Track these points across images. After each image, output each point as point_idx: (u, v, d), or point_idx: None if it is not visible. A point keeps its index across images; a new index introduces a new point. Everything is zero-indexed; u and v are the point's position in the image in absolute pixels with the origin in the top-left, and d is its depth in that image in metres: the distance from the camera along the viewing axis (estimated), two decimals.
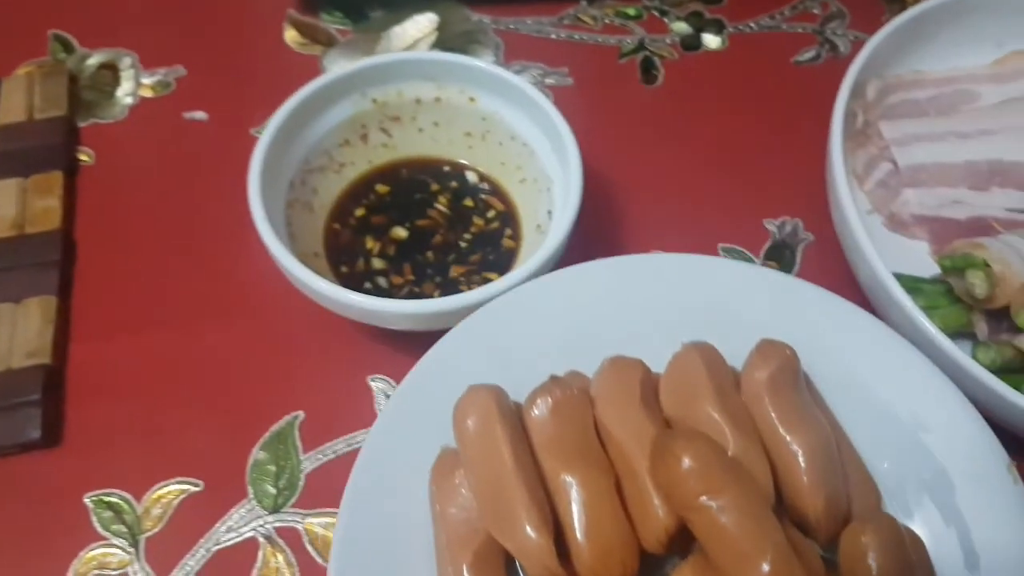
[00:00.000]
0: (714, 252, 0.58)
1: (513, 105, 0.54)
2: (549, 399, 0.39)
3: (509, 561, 0.38)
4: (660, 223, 0.59)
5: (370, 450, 0.42)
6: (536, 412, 0.39)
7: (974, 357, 0.47)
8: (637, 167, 0.62)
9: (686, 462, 0.35)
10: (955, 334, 0.49)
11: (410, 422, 0.43)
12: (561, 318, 0.46)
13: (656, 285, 0.47)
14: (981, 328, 0.50)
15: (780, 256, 0.58)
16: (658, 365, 0.43)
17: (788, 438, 0.40)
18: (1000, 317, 0.50)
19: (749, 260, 0.58)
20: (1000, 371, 0.47)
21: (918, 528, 0.41)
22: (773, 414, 0.40)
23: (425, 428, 0.42)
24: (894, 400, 0.44)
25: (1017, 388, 0.45)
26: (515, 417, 0.40)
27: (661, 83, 0.67)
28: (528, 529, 0.35)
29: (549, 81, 0.67)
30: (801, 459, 0.39)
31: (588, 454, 0.39)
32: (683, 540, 0.37)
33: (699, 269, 0.48)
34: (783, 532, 0.35)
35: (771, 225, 0.60)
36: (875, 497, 0.43)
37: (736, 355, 0.43)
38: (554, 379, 0.41)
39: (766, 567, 0.34)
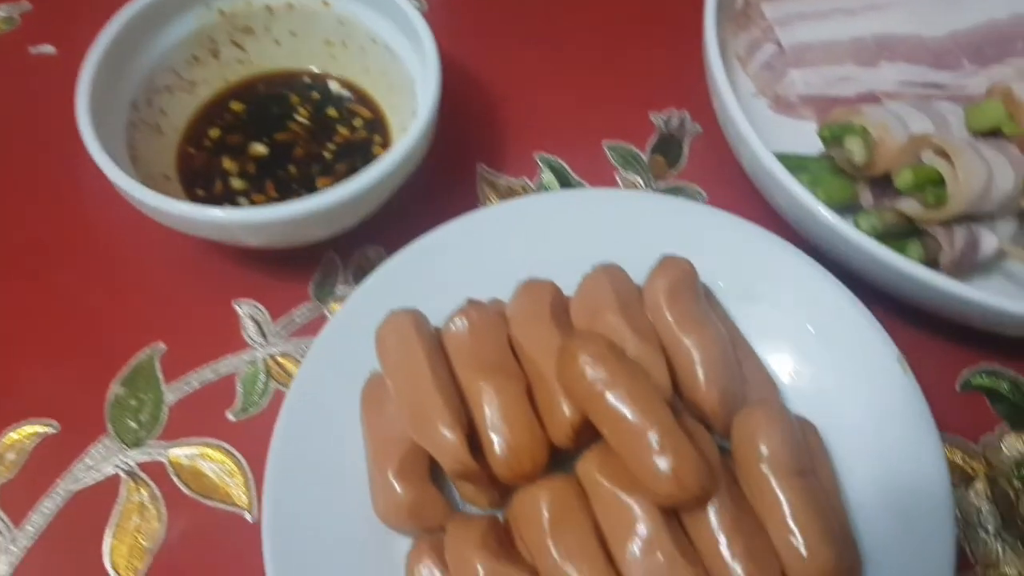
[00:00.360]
0: (598, 150, 0.56)
1: (369, 6, 0.51)
2: (466, 319, 0.41)
3: (435, 469, 0.40)
4: (541, 123, 0.57)
5: (299, 386, 0.43)
6: (454, 329, 0.41)
7: (856, 225, 0.45)
8: (514, 67, 0.60)
9: (584, 358, 0.37)
10: (843, 208, 0.48)
11: (337, 358, 0.44)
12: (478, 257, 0.47)
13: (564, 221, 0.48)
14: (866, 197, 0.49)
15: (667, 150, 0.57)
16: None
17: (685, 340, 0.41)
18: (885, 185, 0.49)
19: (635, 156, 0.56)
20: (884, 237, 0.46)
21: (817, 420, 0.42)
22: (671, 319, 0.42)
23: (352, 362, 0.43)
24: (790, 306, 0.46)
25: (903, 252, 0.44)
26: (433, 337, 0.41)
27: None
28: (442, 428, 0.37)
29: None
30: (696, 357, 0.41)
31: (502, 365, 0.40)
32: (589, 437, 0.39)
33: (602, 201, 0.49)
34: (672, 416, 0.36)
35: (657, 118, 0.58)
36: (772, 393, 0.44)
37: (641, 278, 0.44)
38: (471, 302, 0.43)
39: (654, 441, 0.35)
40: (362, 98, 0.53)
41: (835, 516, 0.39)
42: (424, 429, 0.38)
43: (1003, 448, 0.48)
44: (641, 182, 0.56)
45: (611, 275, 0.43)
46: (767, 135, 0.48)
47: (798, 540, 0.37)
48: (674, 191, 0.55)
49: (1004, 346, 0.50)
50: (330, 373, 0.43)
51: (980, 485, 0.47)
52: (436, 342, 0.41)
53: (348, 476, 0.41)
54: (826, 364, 0.45)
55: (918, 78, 0.55)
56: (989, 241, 0.47)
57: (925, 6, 0.56)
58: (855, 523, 0.41)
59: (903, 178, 0.46)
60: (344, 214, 0.45)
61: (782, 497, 0.37)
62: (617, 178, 0.56)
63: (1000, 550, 0.45)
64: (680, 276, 0.43)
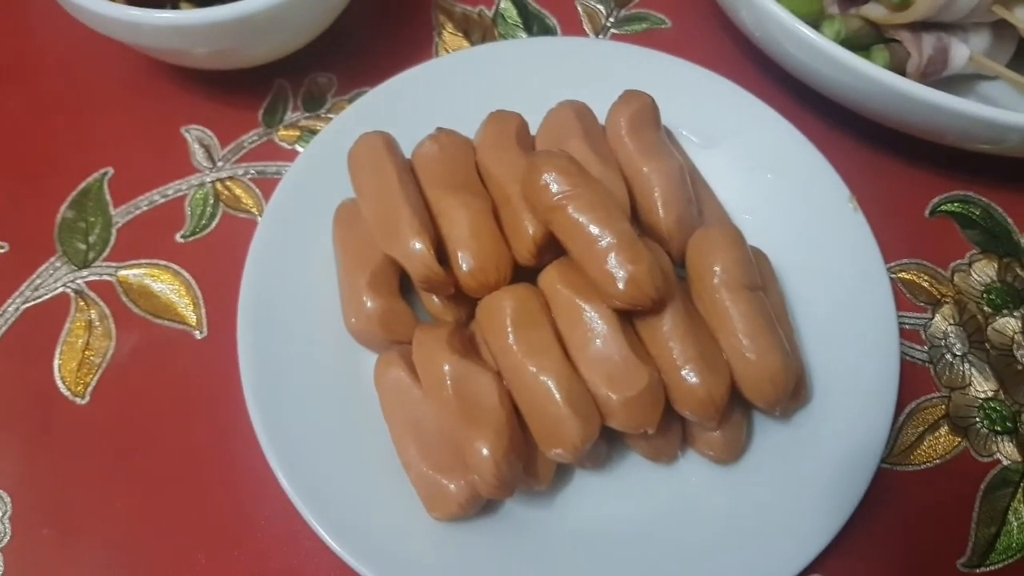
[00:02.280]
0: None
1: None
2: (436, 143, 0.42)
3: (405, 284, 0.41)
4: None
5: (272, 211, 0.43)
6: (423, 151, 0.42)
7: (821, 33, 0.44)
8: None
9: (548, 172, 0.37)
10: (810, 21, 0.46)
11: (308, 189, 0.44)
12: (445, 100, 0.47)
13: (527, 69, 0.48)
14: (832, 7, 0.48)
15: None
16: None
17: (644, 168, 0.42)
18: None
19: None
20: (850, 45, 0.44)
21: (769, 252, 0.43)
22: (632, 147, 0.42)
23: (323, 193, 0.43)
24: (747, 151, 0.47)
25: (868, 59, 0.43)
26: (403, 157, 0.42)
27: None
28: (411, 238, 0.38)
29: None
30: (655, 183, 0.41)
31: (469, 185, 0.41)
32: (551, 256, 0.39)
33: (566, 50, 0.49)
34: (630, 225, 0.36)
35: None
36: (731, 224, 0.44)
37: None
38: (441, 129, 0.43)
39: (613, 248, 0.35)
40: None
41: (782, 330, 0.39)
42: (394, 240, 0.38)
43: (972, 273, 0.47)
44: (603, 10, 0.54)
45: (575, 108, 0.43)
46: None
47: (746, 345, 0.37)
48: (637, 19, 0.54)
49: (977, 173, 0.50)
50: (302, 201, 0.44)
51: (948, 309, 0.46)
52: (406, 163, 0.41)
53: (319, 297, 0.42)
54: (780, 203, 0.46)
55: None
56: (960, 51, 0.46)
57: None
58: (802, 344, 0.42)
59: None
60: (292, 19, 0.44)
61: (732, 309, 0.38)
62: (578, 5, 0.54)
63: (967, 371, 0.45)
64: (641, 108, 0.43)
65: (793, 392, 0.39)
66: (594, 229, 0.36)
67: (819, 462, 0.40)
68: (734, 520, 0.39)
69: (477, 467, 0.35)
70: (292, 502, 0.37)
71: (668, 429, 0.39)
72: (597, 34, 0.53)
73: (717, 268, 0.38)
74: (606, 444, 0.39)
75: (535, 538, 0.39)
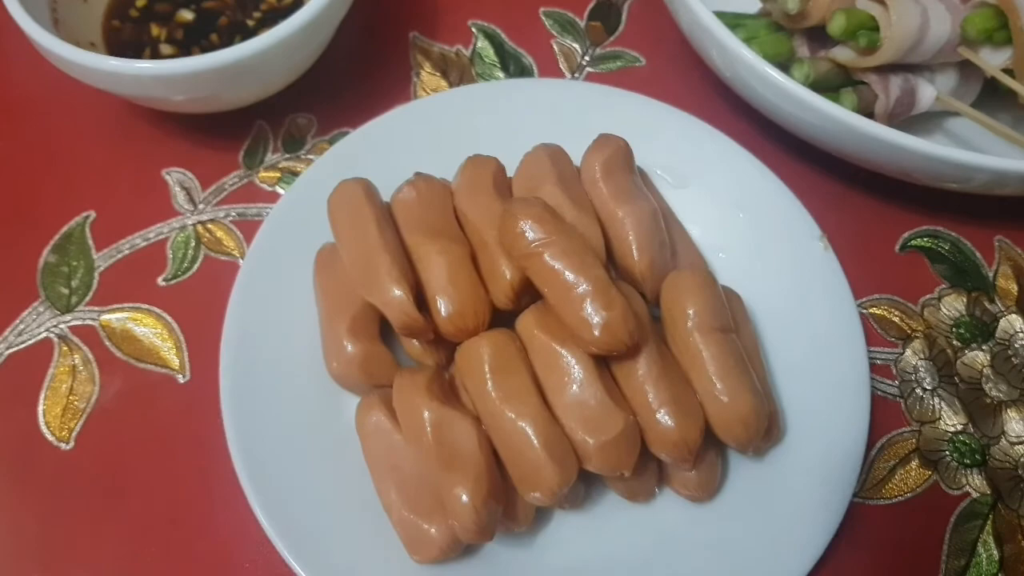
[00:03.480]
0: (535, 16, 0.56)
1: None
2: (414, 189, 0.43)
3: (384, 332, 0.41)
4: None
5: (253, 255, 0.44)
6: (401, 197, 0.42)
7: (790, 76, 0.45)
8: None
9: (523, 219, 0.38)
10: (780, 63, 0.48)
11: (288, 233, 0.45)
12: (422, 142, 0.48)
13: (504, 110, 0.49)
14: (802, 50, 0.49)
15: (605, 16, 0.56)
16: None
17: (619, 212, 0.43)
18: (822, 39, 0.49)
19: (572, 22, 0.56)
20: (819, 87, 0.45)
21: (742, 292, 0.44)
22: (606, 191, 0.43)
23: (304, 238, 0.44)
24: (720, 191, 0.48)
25: (836, 102, 0.44)
26: (382, 203, 0.42)
27: None
28: (390, 285, 0.38)
29: None
30: (629, 226, 0.42)
31: (446, 230, 0.42)
32: (527, 300, 0.40)
33: (541, 91, 0.50)
34: (604, 272, 0.37)
35: None
36: (700, 264, 0.45)
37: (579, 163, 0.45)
38: (418, 175, 0.43)
39: (588, 294, 0.36)
40: None
41: (754, 371, 0.40)
42: (373, 287, 0.39)
43: (942, 307, 0.48)
44: (578, 48, 0.55)
45: (550, 152, 0.44)
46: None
47: (718, 388, 0.38)
48: (612, 57, 0.55)
49: (945, 209, 0.51)
50: (283, 245, 0.45)
51: (918, 343, 0.48)
52: (385, 209, 0.42)
53: (301, 340, 0.43)
54: (752, 242, 0.47)
55: None
56: (927, 91, 0.47)
57: None
58: (775, 382, 0.44)
59: (836, 22, 0.45)
60: (270, 66, 0.45)
61: (705, 352, 0.39)
62: (554, 45, 0.55)
63: (937, 405, 0.46)
64: (614, 152, 0.44)
65: (765, 431, 0.39)
66: (569, 276, 0.37)
67: (793, 498, 0.41)
68: (710, 556, 0.40)
69: (457, 513, 0.36)
70: (274, 546, 0.37)
71: (644, 470, 0.39)
72: (573, 73, 0.54)
73: (690, 311, 0.39)
74: (584, 485, 0.40)
75: None
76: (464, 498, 0.35)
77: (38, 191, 0.49)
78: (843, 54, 0.46)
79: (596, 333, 0.36)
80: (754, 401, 0.38)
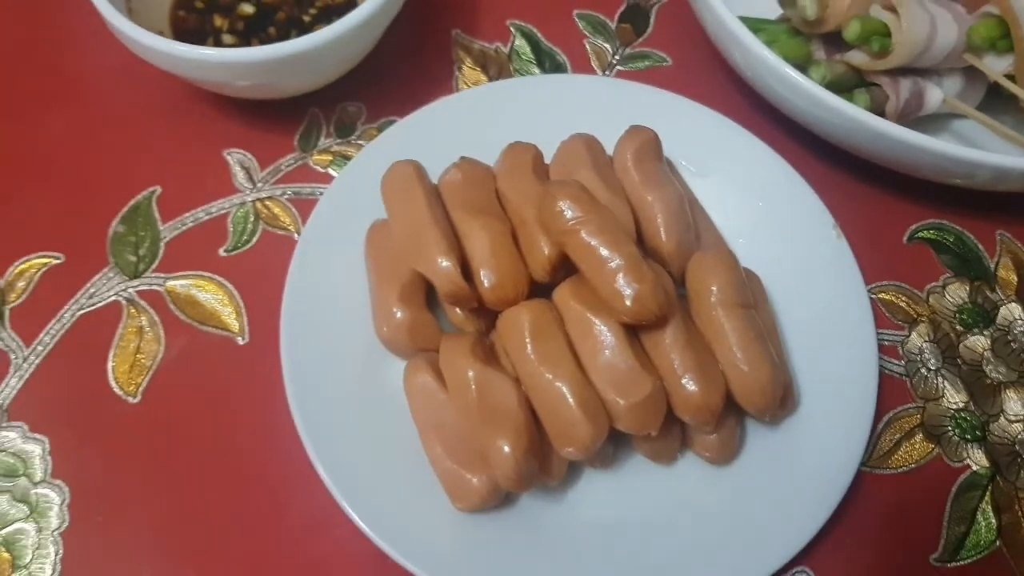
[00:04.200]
0: (568, 18, 0.60)
1: None
2: (459, 171, 0.46)
3: (430, 297, 0.45)
4: None
5: (309, 232, 0.47)
6: (448, 178, 0.46)
7: (807, 76, 0.48)
8: None
9: (561, 199, 0.41)
10: (798, 65, 0.51)
11: (342, 210, 0.48)
12: (464, 131, 0.51)
13: (540, 103, 0.52)
14: (819, 53, 0.52)
15: (635, 19, 0.60)
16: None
17: (648, 196, 0.46)
18: (838, 44, 0.52)
19: (603, 24, 0.59)
20: (834, 87, 0.49)
21: (760, 274, 0.47)
22: (636, 177, 0.46)
23: (356, 215, 0.47)
24: (740, 182, 0.51)
25: (851, 100, 0.47)
26: (431, 183, 0.46)
27: None
28: (439, 256, 0.42)
29: None
30: (658, 210, 0.46)
31: (489, 209, 0.45)
32: (563, 274, 0.43)
33: (575, 86, 0.54)
34: (636, 248, 0.41)
35: None
36: (723, 247, 0.49)
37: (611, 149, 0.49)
38: (464, 158, 0.47)
39: (620, 268, 0.40)
40: None
41: (772, 345, 0.43)
42: (423, 258, 0.42)
43: (946, 295, 0.52)
44: (609, 48, 0.59)
45: (585, 141, 0.48)
46: (729, 2, 0.51)
47: (739, 358, 0.42)
48: (640, 56, 0.58)
49: (951, 203, 0.54)
50: (337, 221, 0.48)
51: (923, 327, 0.51)
52: (433, 188, 0.46)
53: (352, 308, 0.46)
54: (770, 229, 0.50)
55: None
56: (934, 94, 0.50)
57: None
58: (790, 357, 0.47)
59: (851, 29, 0.48)
60: (325, 59, 0.48)
61: (727, 325, 0.42)
62: (586, 44, 0.59)
63: (940, 384, 0.49)
64: (645, 141, 0.48)
65: (781, 401, 0.43)
66: (604, 251, 0.40)
67: (805, 464, 0.44)
68: (727, 516, 0.43)
69: (499, 463, 0.39)
70: (329, 492, 0.41)
71: (668, 433, 0.42)
72: (604, 70, 0.58)
73: (714, 288, 0.43)
74: (613, 446, 0.43)
75: (548, 530, 0.42)
76: (506, 449, 0.39)
77: (108, 166, 0.52)
78: (857, 58, 0.50)
79: (628, 303, 0.39)
80: (772, 371, 0.41)
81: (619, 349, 0.40)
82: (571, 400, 0.39)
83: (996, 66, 0.50)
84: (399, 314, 0.43)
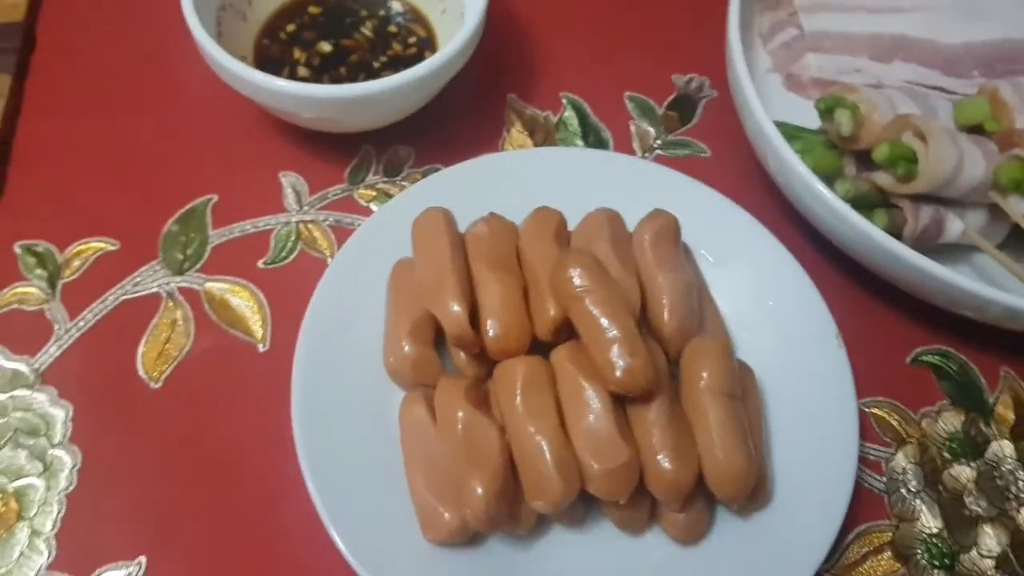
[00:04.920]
0: (619, 99, 0.63)
1: None
2: (486, 225, 0.49)
3: (439, 338, 0.48)
4: (573, 67, 0.64)
5: (341, 257, 0.51)
6: (476, 229, 0.49)
7: (833, 190, 0.50)
8: (557, 13, 0.67)
9: (572, 266, 0.44)
10: (828, 177, 0.53)
11: (374, 244, 0.52)
12: (501, 188, 0.54)
13: (578, 173, 0.56)
14: (849, 168, 0.54)
15: (682, 108, 0.63)
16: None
17: (659, 277, 0.48)
18: (868, 162, 0.54)
19: (651, 108, 0.63)
20: (858, 204, 0.51)
21: (756, 369, 0.49)
22: (651, 257, 0.49)
23: (387, 248, 0.51)
24: (753, 278, 0.53)
25: (870, 219, 0.49)
26: (458, 233, 0.49)
27: None
28: (451, 301, 0.45)
29: None
30: (665, 291, 0.48)
31: (507, 264, 0.48)
32: (565, 336, 0.46)
33: (613, 163, 0.57)
34: (635, 325, 0.43)
35: (678, 80, 0.64)
36: (723, 336, 0.51)
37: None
38: (492, 214, 0.50)
39: (616, 340, 0.42)
40: (417, 17, 0.60)
41: (752, 437, 0.45)
42: (437, 299, 0.45)
43: (940, 421, 0.53)
44: (653, 132, 0.62)
45: (608, 215, 0.51)
46: (773, 106, 0.54)
47: (717, 444, 0.43)
48: (681, 144, 0.61)
49: (960, 332, 0.55)
50: (367, 252, 0.51)
51: (911, 448, 0.52)
52: (459, 237, 0.49)
53: (367, 336, 0.49)
54: (774, 327, 0.52)
55: (927, 80, 0.59)
56: (954, 225, 0.52)
57: (945, 15, 0.60)
58: (772, 453, 0.48)
59: (881, 151, 0.50)
60: (385, 104, 0.53)
61: (711, 411, 0.44)
62: (631, 125, 0.62)
63: (918, 507, 0.50)
64: (665, 225, 0.50)
65: (753, 492, 0.44)
66: (604, 321, 0.43)
67: (767, 558, 0.45)
68: None
69: (470, 501, 0.41)
70: (314, 504, 0.43)
71: (638, 504, 0.44)
72: (644, 152, 0.61)
73: (704, 374, 0.45)
74: (584, 508, 0.45)
75: (513, 575, 0.44)
76: (479, 490, 0.41)
77: (176, 170, 0.57)
78: (883, 178, 0.52)
79: (618, 374, 0.42)
80: (746, 461, 0.43)
81: (603, 416, 0.42)
82: (548, 455, 0.41)
83: (1020, 207, 0.52)
84: (406, 348, 0.47)
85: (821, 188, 0.50)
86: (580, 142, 0.61)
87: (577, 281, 0.44)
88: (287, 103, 0.52)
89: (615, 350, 0.42)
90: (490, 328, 0.45)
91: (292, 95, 0.50)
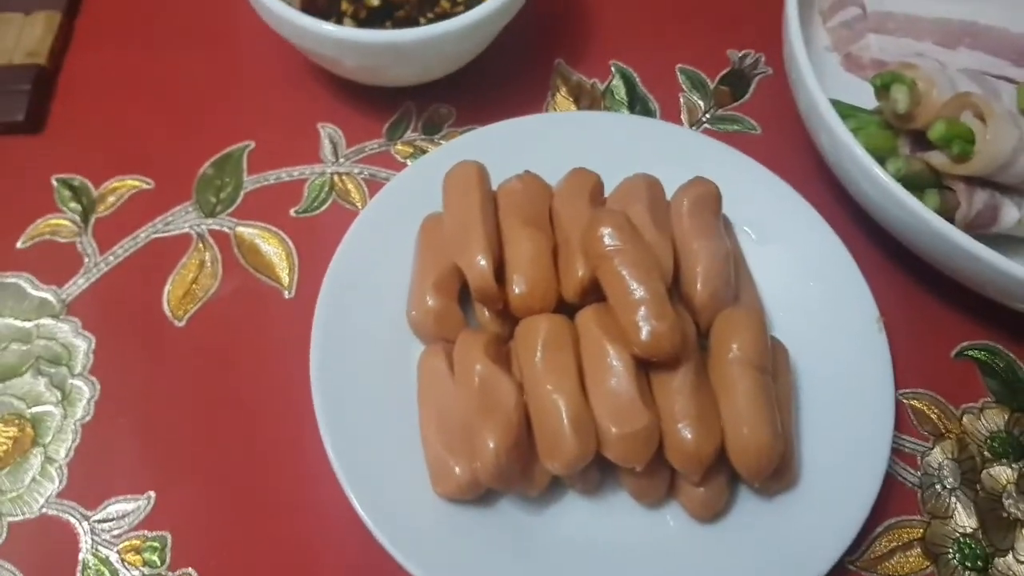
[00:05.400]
0: (670, 70, 0.61)
1: None
2: (520, 181, 0.48)
3: (464, 293, 0.47)
4: (625, 35, 0.63)
5: (370, 209, 0.51)
6: (509, 185, 0.48)
7: (884, 168, 0.48)
8: None
9: (604, 225, 0.43)
10: (881, 156, 0.50)
11: (405, 197, 0.51)
12: (540, 148, 0.53)
13: (621, 139, 0.54)
14: (904, 149, 0.52)
15: (736, 83, 0.61)
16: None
17: (694, 244, 0.47)
18: (924, 143, 0.51)
19: (703, 82, 0.61)
20: (909, 183, 0.49)
21: (792, 348, 0.48)
22: (687, 223, 0.48)
23: (418, 202, 0.50)
24: (797, 257, 0.51)
25: (921, 200, 0.47)
26: (489, 187, 0.48)
27: None
28: (478, 254, 0.44)
29: None
30: (700, 258, 0.46)
31: (539, 222, 0.47)
32: (593, 299, 0.44)
33: (661, 132, 0.56)
34: (665, 289, 0.42)
35: (733, 55, 0.62)
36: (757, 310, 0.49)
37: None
38: (527, 172, 0.49)
39: (644, 303, 0.41)
40: None
41: (780, 415, 0.43)
42: (463, 252, 0.45)
43: (982, 418, 0.50)
44: (702, 106, 0.60)
45: (647, 180, 0.49)
46: (829, 85, 0.51)
47: (742, 417, 0.42)
48: (732, 120, 0.60)
49: (1009, 327, 0.53)
50: (397, 206, 0.51)
51: (949, 444, 0.50)
52: (491, 192, 0.48)
53: (391, 288, 0.48)
54: (814, 311, 0.50)
55: (994, 70, 0.56)
56: (1010, 213, 0.49)
57: (1020, 2, 0.58)
58: (801, 434, 0.46)
59: (937, 129, 0.48)
60: (426, 55, 0.52)
61: (739, 383, 0.42)
62: (681, 97, 0.60)
63: (953, 504, 0.48)
64: (705, 193, 0.49)
65: (777, 472, 0.43)
66: (632, 283, 0.41)
67: (787, 542, 0.43)
68: (699, 571, 0.43)
69: (481, 455, 0.40)
70: (326, 449, 0.43)
71: (656, 474, 0.43)
72: (692, 125, 0.59)
73: (734, 345, 0.43)
74: (600, 474, 0.44)
75: (522, 538, 0.43)
76: (491, 443, 0.40)
77: (217, 113, 0.57)
78: (937, 158, 0.49)
79: (643, 337, 0.40)
80: (771, 438, 0.41)
81: (625, 379, 0.41)
82: (564, 415, 0.40)
83: None
84: (430, 301, 0.46)
85: (871, 164, 0.48)
86: (626, 111, 0.60)
87: (608, 240, 0.42)
88: (330, 48, 0.51)
89: (641, 312, 0.41)
90: (516, 284, 0.44)
91: (335, 40, 0.50)
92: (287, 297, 0.51)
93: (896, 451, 0.48)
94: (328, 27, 0.50)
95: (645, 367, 0.43)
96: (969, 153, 0.48)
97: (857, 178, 0.50)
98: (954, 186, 0.50)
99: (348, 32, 0.50)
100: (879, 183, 0.48)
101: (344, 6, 0.57)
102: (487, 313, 0.46)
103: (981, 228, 0.50)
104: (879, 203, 0.49)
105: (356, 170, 0.56)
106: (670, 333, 0.41)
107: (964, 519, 0.47)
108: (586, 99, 0.60)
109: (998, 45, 0.57)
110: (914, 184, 0.50)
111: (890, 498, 0.47)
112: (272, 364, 0.49)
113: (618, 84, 0.61)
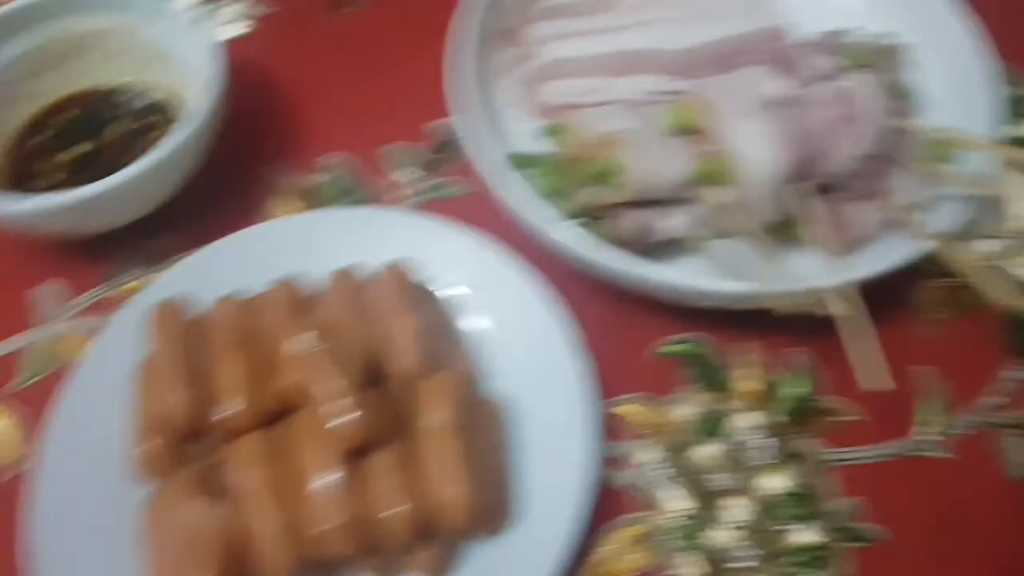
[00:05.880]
0: (380, 153, 0.66)
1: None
2: (217, 308, 0.52)
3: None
4: (330, 127, 0.67)
5: (86, 362, 0.53)
6: (207, 314, 0.51)
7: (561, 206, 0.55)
8: (312, 82, 0.71)
9: (301, 330, 0.47)
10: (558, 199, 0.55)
11: (120, 342, 0.53)
12: (252, 260, 0.56)
13: (329, 235, 0.58)
14: (577, 187, 0.55)
15: (446, 150, 0.66)
16: None
17: (398, 321, 0.50)
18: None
19: (415, 157, 0.66)
20: (585, 214, 0.55)
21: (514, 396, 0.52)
22: (384, 308, 0.51)
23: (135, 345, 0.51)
24: (508, 318, 0.55)
25: (596, 231, 0.54)
26: (189, 321, 0.50)
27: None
28: (176, 394, 0.46)
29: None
30: (406, 335, 0.50)
31: (242, 343, 0.49)
32: (303, 402, 0.47)
33: (367, 220, 0.59)
34: (360, 380, 0.46)
35: (437, 126, 0.67)
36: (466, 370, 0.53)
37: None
38: (223, 298, 0.52)
39: (334, 397, 0.45)
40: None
41: (485, 467, 0.47)
42: (166, 394, 0.46)
43: (683, 405, 0.55)
44: (416, 178, 0.65)
45: (348, 275, 0.53)
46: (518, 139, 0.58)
47: (444, 477, 0.45)
48: (447, 185, 0.65)
49: (699, 320, 0.57)
50: (109, 359, 0.53)
51: (660, 438, 0.54)
52: (189, 325, 0.50)
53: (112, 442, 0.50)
54: (522, 350, 0.53)
55: (662, 86, 0.61)
56: (674, 221, 0.54)
57: (664, 24, 0.64)
58: (524, 475, 0.50)
59: (589, 168, 0.53)
60: (124, 199, 0.55)
61: (436, 448, 0.46)
62: (396, 175, 0.65)
63: (666, 493, 0.52)
64: (395, 275, 0.53)
65: (488, 519, 0.46)
66: (322, 384, 0.45)
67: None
68: None
69: None
70: None
71: (382, 552, 0.46)
72: (415, 196, 0.64)
73: (432, 411, 0.46)
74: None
75: None
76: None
77: None
78: (600, 191, 0.54)
79: (337, 431, 0.44)
80: (470, 491, 0.44)
81: (328, 477, 0.44)
82: (270, 526, 0.43)
83: (715, 196, 0.54)
84: (142, 445, 0.47)
85: (526, 211, 0.53)
86: (346, 200, 0.64)
87: (301, 346, 0.46)
88: (29, 221, 0.54)
89: (333, 407, 0.44)
90: (222, 410, 0.46)
91: (29, 212, 0.52)
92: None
93: (610, 458, 0.52)
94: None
95: (358, 455, 0.45)
96: (622, 182, 0.52)
97: (526, 223, 0.55)
98: (620, 213, 0.54)
99: (35, 202, 0.52)
100: (532, 225, 0.54)
101: (59, 158, 0.60)
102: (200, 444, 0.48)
103: (647, 241, 0.55)
104: (546, 242, 0.54)
105: (76, 326, 0.57)
106: (360, 421, 0.44)
107: (679, 503, 0.51)
108: (303, 199, 0.63)
109: (658, 64, 0.62)
110: (591, 214, 0.54)
111: (608, 503, 0.50)
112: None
113: (329, 179, 0.65)
